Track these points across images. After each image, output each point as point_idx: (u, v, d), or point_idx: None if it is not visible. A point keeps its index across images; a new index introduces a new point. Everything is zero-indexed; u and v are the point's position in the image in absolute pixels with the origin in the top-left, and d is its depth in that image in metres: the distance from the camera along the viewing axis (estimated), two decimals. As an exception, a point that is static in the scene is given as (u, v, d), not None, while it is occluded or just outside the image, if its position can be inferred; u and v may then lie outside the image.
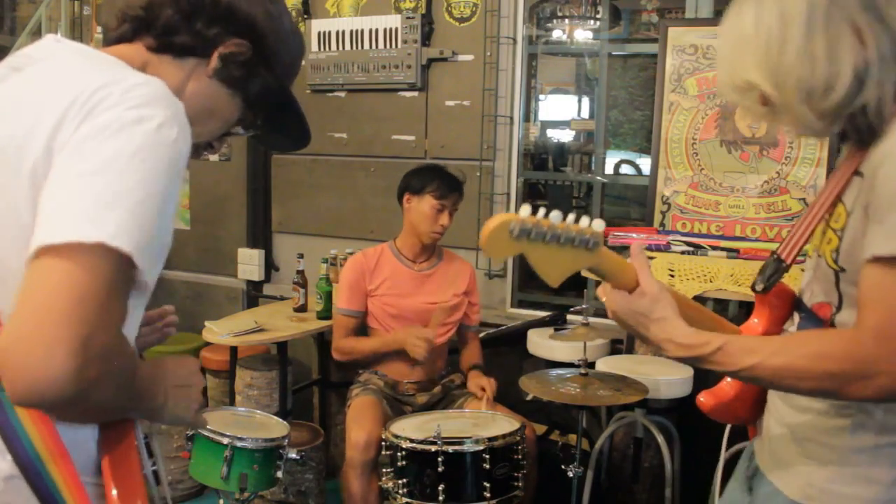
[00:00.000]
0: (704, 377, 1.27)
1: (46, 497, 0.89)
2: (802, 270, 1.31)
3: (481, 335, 3.17)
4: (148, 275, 0.87)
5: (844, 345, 1.06)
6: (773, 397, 1.31)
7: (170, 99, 0.93)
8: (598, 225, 1.10)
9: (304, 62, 3.93)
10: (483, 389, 2.78)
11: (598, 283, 1.20)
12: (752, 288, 1.31)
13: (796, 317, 1.29)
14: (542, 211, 1.06)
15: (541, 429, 3.11)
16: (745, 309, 2.91)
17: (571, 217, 1.07)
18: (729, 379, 1.35)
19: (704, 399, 1.38)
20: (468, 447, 2.34)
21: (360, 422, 2.64)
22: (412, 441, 2.37)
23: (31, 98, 0.92)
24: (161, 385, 1.03)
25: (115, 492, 0.95)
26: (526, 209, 1.04)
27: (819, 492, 1.18)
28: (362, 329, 2.96)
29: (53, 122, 0.87)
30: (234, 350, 3.31)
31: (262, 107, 1.17)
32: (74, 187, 0.83)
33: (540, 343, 3.03)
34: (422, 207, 2.81)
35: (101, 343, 0.80)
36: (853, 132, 1.15)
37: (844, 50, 1.09)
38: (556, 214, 1.06)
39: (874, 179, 1.07)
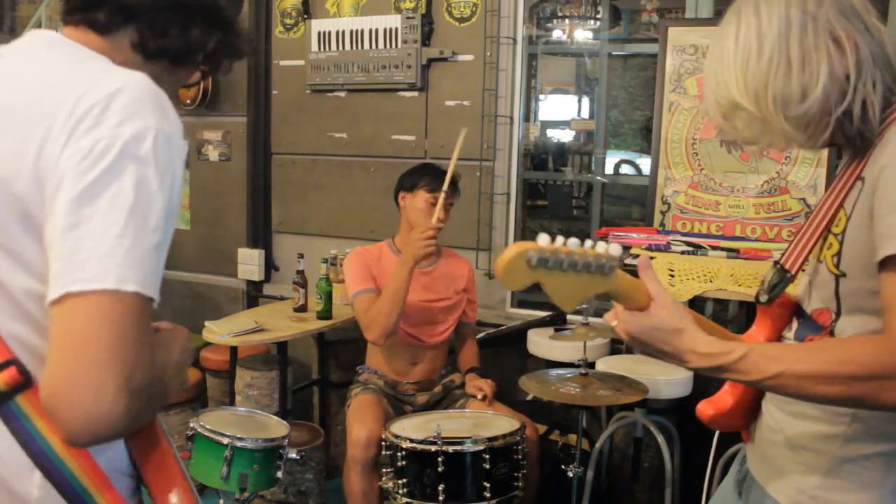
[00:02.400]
0: (705, 378, 1.26)
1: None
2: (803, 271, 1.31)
3: (480, 335, 3.17)
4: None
5: (871, 348, 1.03)
6: (768, 403, 1.30)
7: (153, 96, 0.91)
8: (615, 250, 1.06)
9: (304, 62, 3.95)
10: (481, 390, 2.78)
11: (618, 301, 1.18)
12: (756, 299, 1.29)
13: (794, 323, 1.28)
14: (560, 238, 1.03)
15: (541, 429, 3.11)
16: (746, 309, 2.91)
17: (589, 243, 1.04)
18: (728, 387, 1.35)
19: (703, 409, 1.37)
20: (468, 447, 2.34)
21: (361, 419, 2.64)
22: (412, 441, 2.37)
23: (7, 114, 0.91)
24: (167, 375, 1.04)
25: (148, 479, 0.99)
26: (544, 237, 1.02)
27: (809, 498, 1.18)
28: None
29: (38, 142, 0.87)
30: (234, 350, 3.31)
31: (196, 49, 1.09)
32: (90, 231, 0.85)
33: (540, 343, 3.03)
34: (416, 203, 2.82)
35: (140, 378, 0.86)
36: (844, 140, 1.15)
37: (821, 59, 1.10)
38: (573, 241, 1.03)
39: (877, 184, 1.06)
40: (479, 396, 2.77)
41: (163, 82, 0.98)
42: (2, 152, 0.89)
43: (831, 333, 1.18)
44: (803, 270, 1.26)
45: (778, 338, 1.31)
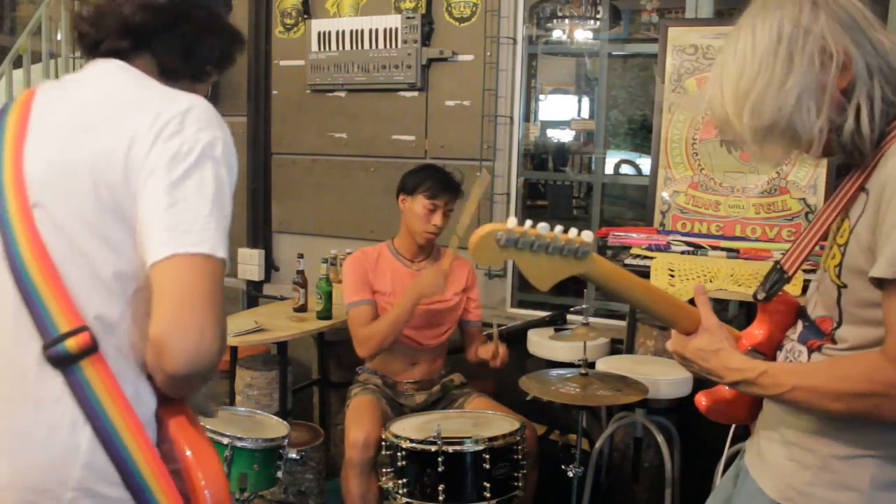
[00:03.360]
0: (705, 378, 1.31)
1: (123, 469, 1.06)
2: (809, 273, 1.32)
3: (483, 334, 3.16)
4: None
5: (866, 366, 1.10)
6: (767, 400, 1.32)
7: (214, 113, 1.14)
8: (587, 235, 1.14)
9: (304, 62, 3.94)
10: (495, 356, 2.75)
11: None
12: (754, 297, 1.33)
13: (799, 325, 1.30)
14: (528, 222, 1.11)
15: (541, 429, 3.11)
16: (746, 309, 2.91)
17: (559, 228, 1.11)
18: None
19: (700, 398, 1.40)
20: (468, 447, 2.34)
21: (358, 421, 2.64)
22: (412, 441, 2.37)
23: (96, 121, 1.12)
24: None
25: (188, 452, 1.11)
26: (512, 219, 1.11)
27: (799, 494, 1.20)
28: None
29: (126, 145, 1.08)
30: (234, 350, 3.31)
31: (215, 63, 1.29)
32: (186, 209, 1.06)
33: (540, 343, 3.03)
34: (414, 208, 2.81)
35: (224, 325, 1.08)
36: (842, 151, 1.17)
37: (806, 73, 1.11)
38: (543, 225, 1.12)
39: (880, 200, 1.08)
40: (490, 354, 2.75)
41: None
42: (97, 148, 1.09)
43: (832, 340, 1.21)
44: (811, 271, 1.28)
45: (780, 337, 1.33)
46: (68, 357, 1.05)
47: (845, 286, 1.16)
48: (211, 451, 1.14)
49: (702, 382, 1.34)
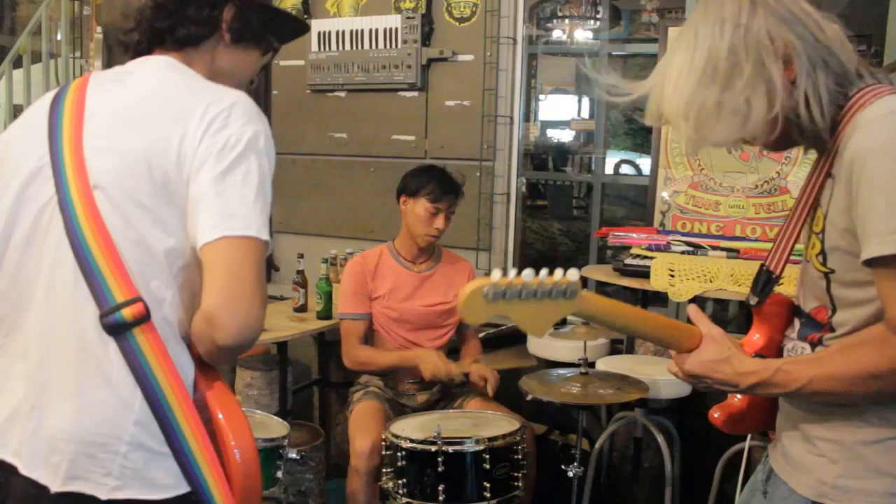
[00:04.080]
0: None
1: (167, 428, 1.15)
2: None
3: (481, 335, 3.16)
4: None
5: (874, 344, 1.10)
6: (783, 401, 1.32)
7: (256, 108, 1.24)
8: (573, 274, 1.12)
9: (304, 62, 3.94)
10: (485, 380, 2.76)
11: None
12: (747, 303, 1.33)
13: (797, 323, 1.30)
14: (512, 271, 1.10)
15: (541, 429, 3.11)
16: (746, 309, 2.91)
17: (544, 272, 1.10)
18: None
19: (716, 414, 1.39)
20: (468, 447, 2.33)
21: (363, 429, 2.64)
22: (412, 441, 2.37)
23: (150, 112, 1.22)
24: None
25: (220, 415, 1.19)
26: (497, 273, 1.08)
27: (832, 489, 1.19)
28: (370, 332, 2.94)
29: (178, 137, 1.18)
30: (234, 350, 3.30)
31: (273, 32, 1.43)
32: (234, 196, 1.16)
33: (540, 343, 3.03)
34: (416, 210, 2.81)
35: (265, 300, 1.18)
36: (802, 140, 1.20)
37: (753, 71, 1.14)
38: (527, 272, 1.10)
39: (849, 183, 1.10)
40: (481, 385, 2.76)
41: (246, 69, 1.40)
42: (152, 137, 1.19)
43: (831, 329, 1.20)
44: (794, 262, 1.28)
45: (780, 338, 1.33)
46: (123, 325, 1.14)
47: (833, 272, 1.17)
48: (241, 414, 1.22)
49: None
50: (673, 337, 1.27)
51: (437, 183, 2.79)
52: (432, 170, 2.90)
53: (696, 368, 1.24)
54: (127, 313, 1.14)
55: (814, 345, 1.23)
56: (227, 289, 1.13)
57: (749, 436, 1.59)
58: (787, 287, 1.38)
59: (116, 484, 1.14)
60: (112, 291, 1.14)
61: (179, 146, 1.18)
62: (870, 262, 1.08)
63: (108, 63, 4.19)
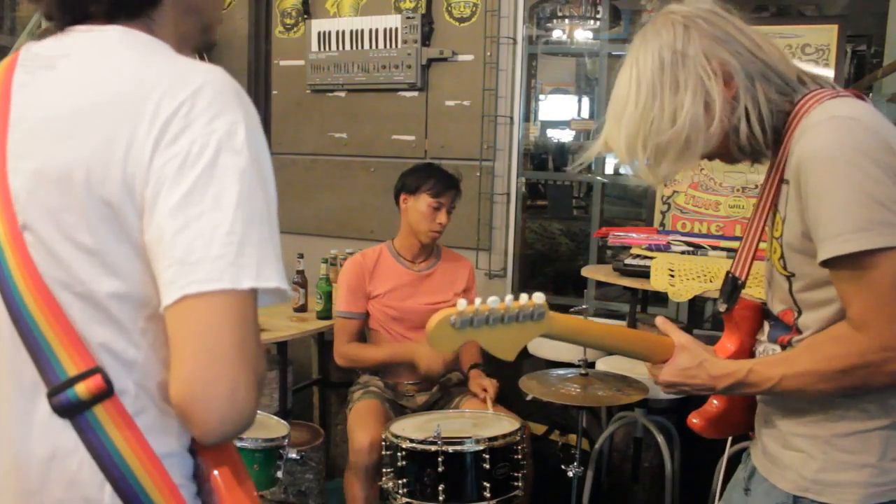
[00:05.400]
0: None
1: None
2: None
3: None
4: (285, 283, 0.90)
5: (839, 342, 1.14)
6: (759, 400, 1.34)
7: (233, 88, 0.89)
8: (538, 297, 1.17)
9: (304, 62, 3.94)
10: (485, 390, 2.77)
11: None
12: (717, 310, 1.36)
13: (766, 326, 1.33)
14: (478, 300, 1.13)
15: (541, 429, 3.11)
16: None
17: (509, 297, 1.13)
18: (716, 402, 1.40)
19: (695, 420, 1.43)
20: (468, 447, 2.33)
21: (362, 425, 2.64)
22: (412, 441, 2.37)
23: (87, 115, 0.88)
24: None
25: (216, 472, 0.95)
26: (462, 302, 1.12)
27: (812, 483, 1.21)
28: (363, 331, 2.96)
29: (123, 149, 0.85)
30: (234, 350, 3.30)
31: None
32: (199, 232, 0.83)
33: (540, 343, 3.03)
34: (418, 206, 2.81)
35: (262, 369, 0.88)
36: (741, 155, 1.25)
37: (694, 93, 1.18)
38: (493, 299, 1.13)
39: (799, 187, 1.14)
40: (482, 396, 2.76)
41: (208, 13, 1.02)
42: (89, 150, 0.86)
43: (798, 331, 1.24)
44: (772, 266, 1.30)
45: (752, 342, 1.35)
46: (79, 404, 0.88)
47: (793, 275, 1.21)
48: (247, 492, 0.97)
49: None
50: (645, 350, 1.31)
51: (438, 179, 2.81)
52: (429, 167, 2.93)
53: (671, 377, 1.29)
54: (82, 389, 0.87)
55: (784, 347, 1.26)
56: (198, 370, 0.83)
57: (749, 436, 1.58)
58: (753, 289, 1.40)
59: None
60: (61, 361, 0.88)
61: (124, 163, 0.85)
62: (826, 264, 1.11)
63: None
